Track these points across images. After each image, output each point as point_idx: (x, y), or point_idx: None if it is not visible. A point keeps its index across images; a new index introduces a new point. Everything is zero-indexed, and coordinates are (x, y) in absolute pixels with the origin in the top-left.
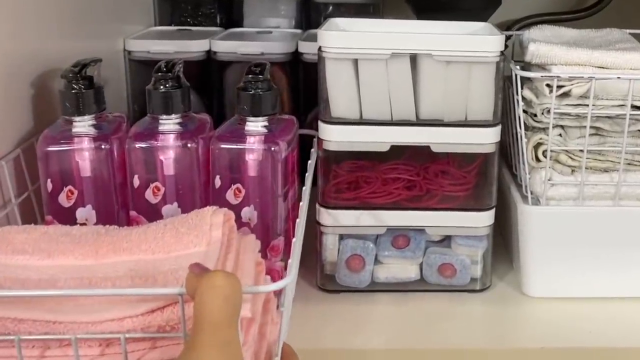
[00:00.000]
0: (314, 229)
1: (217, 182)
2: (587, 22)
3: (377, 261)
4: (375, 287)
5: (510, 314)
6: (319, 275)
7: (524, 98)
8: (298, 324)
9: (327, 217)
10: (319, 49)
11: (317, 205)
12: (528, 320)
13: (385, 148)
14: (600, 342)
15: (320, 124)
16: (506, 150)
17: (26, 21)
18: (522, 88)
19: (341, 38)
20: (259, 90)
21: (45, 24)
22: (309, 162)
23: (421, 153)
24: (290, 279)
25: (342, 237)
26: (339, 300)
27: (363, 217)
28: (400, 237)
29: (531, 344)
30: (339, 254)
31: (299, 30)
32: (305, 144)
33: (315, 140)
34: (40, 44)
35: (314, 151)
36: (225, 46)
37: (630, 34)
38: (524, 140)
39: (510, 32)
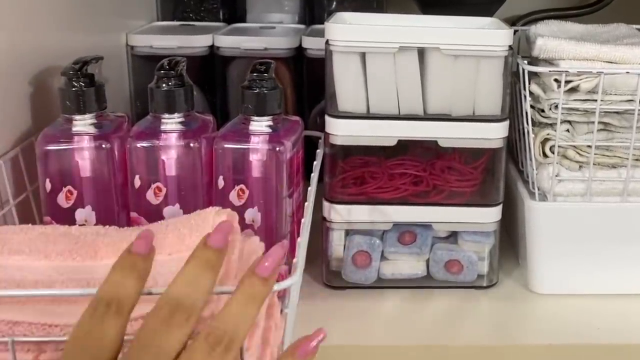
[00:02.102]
0: (319, 227)
1: (220, 182)
2: (591, 18)
3: (383, 257)
4: (382, 284)
5: (517, 310)
6: (325, 272)
7: (531, 93)
8: (304, 320)
9: (334, 212)
10: (327, 42)
11: (324, 201)
12: (535, 317)
13: (393, 142)
14: (608, 339)
15: (327, 118)
16: (513, 146)
17: (26, 16)
18: (529, 83)
19: (349, 31)
20: (264, 89)
21: (46, 19)
22: (315, 162)
23: (428, 148)
24: (295, 279)
25: (348, 233)
26: (345, 296)
27: (369, 213)
28: (406, 233)
29: (538, 341)
30: (345, 250)
31: (302, 26)
32: (309, 146)
33: (320, 141)
34: (41, 40)
35: (319, 152)
36: (229, 41)
37: (637, 29)
38: (531, 135)
39: (516, 28)
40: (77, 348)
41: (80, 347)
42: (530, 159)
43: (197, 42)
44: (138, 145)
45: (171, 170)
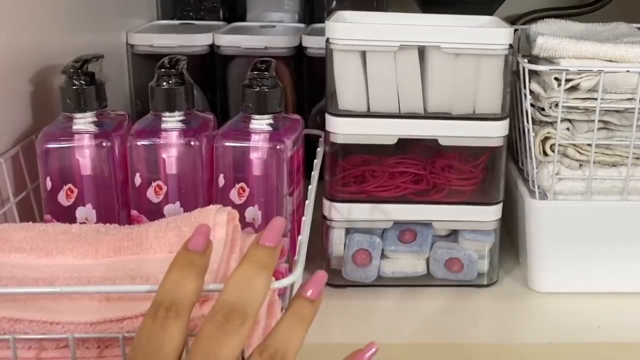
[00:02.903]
0: (319, 226)
1: (221, 181)
2: (591, 17)
3: (383, 256)
4: (382, 282)
5: (517, 309)
6: (325, 270)
7: (531, 92)
8: None
9: (334, 211)
10: (327, 40)
11: (324, 199)
12: (535, 316)
13: (393, 141)
14: (608, 337)
15: (328, 117)
16: (513, 144)
17: (26, 14)
18: (529, 82)
19: (350, 30)
20: (264, 88)
21: (46, 17)
22: (315, 161)
23: (428, 147)
24: (295, 276)
25: (348, 232)
26: (346, 295)
27: (370, 211)
28: (407, 232)
29: (539, 339)
30: (346, 248)
31: (302, 25)
32: (310, 145)
33: (321, 139)
34: (41, 38)
35: (320, 150)
36: (229, 40)
37: (637, 28)
38: (532, 134)
39: (516, 27)
40: (140, 355)
41: (144, 354)
42: (531, 158)
43: (197, 41)
44: (139, 143)
45: (172, 168)
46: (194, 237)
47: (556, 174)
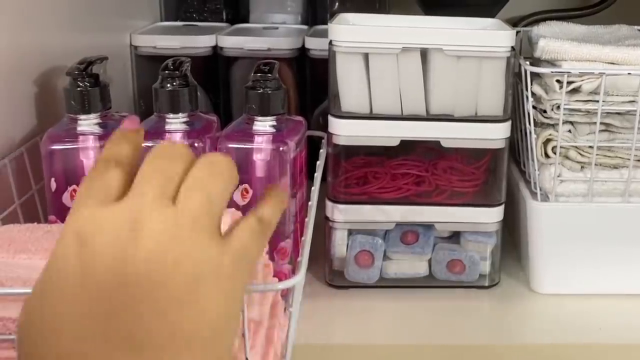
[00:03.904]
0: (322, 227)
1: None
2: (593, 20)
3: (386, 257)
4: (384, 283)
5: (518, 310)
6: (328, 271)
7: (533, 94)
8: (307, 319)
9: (337, 212)
10: (330, 43)
11: (327, 201)
12: (537, 317)
13: (395, 143)
14: (610, 339)
15: (330, 119)
16: (515, 146)
17: (30, 16)
18: (531, 84)
19: (352, 32)
20: (268, 89)
21: (50, 18)
22: (318, 162)
23: (430, 148)
24: (298, 278)
25: (350, 233)
26: (348, 296)
27: (372, 213)
28: (409, 233)
29: (540, 341)
30: (348, 249)
31: (305, 26)
32: (312, 146)
33: (323, 141)
34: (45, 40)
35: (322, 152)
36: (232, 42)
37: (639, 30)
38: (534, 136)
39: (518, 29)
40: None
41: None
42: (532, 160)
43: (200, 43)
44: (142, 145)
45: None
46: (124, 122)
47: (558, 176)
